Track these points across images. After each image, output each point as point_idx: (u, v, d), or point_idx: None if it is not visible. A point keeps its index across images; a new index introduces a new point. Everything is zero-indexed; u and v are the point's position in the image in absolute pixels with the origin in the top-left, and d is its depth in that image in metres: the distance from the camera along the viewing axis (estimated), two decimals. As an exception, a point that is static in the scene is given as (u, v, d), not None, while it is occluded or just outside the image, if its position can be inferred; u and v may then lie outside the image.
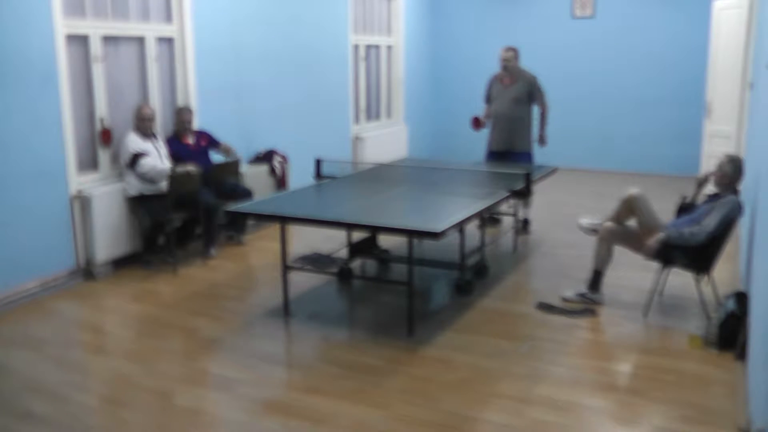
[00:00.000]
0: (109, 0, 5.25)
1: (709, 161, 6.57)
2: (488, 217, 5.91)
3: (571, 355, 3.83)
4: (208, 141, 5.86)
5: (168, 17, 5.80)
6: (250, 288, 5.00)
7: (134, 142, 5.20)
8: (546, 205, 7.08)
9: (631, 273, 4.98)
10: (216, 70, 6.22)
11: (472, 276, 4.95)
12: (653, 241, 4.15)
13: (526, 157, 6.22)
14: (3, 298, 4.53)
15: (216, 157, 5.92)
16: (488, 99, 6.40)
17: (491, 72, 6.50)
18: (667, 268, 4.28)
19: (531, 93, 6.14)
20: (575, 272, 5.04)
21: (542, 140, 6.29)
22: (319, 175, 5.23)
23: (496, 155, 6.28)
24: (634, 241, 4.41)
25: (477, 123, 6.28)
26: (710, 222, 4.04)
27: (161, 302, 4.70)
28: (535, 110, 6.29)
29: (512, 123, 6.15)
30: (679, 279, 4.58)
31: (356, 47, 8.43)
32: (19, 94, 4.59)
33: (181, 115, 5.69)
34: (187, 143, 5.70)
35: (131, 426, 3.17)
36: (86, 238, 5.05)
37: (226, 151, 5.92)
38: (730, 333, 3.78)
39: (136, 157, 5.16)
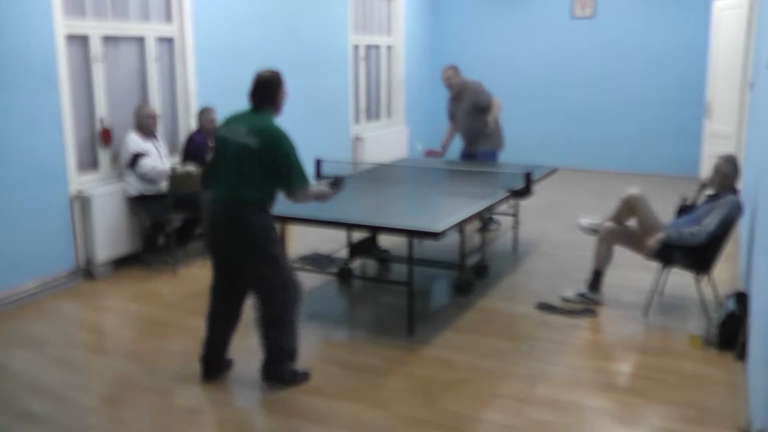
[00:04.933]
0: (109, 0, 5.26)
1: (709, 161, 6.57)
2: (483, 224, 5.93)
3: (571, 355, 3.83)
4: None
5: (168, 17, 5.80)
6: (250, 288, 4.99)
7: (134, 142, 5.19)
8: (546, 205, 7.09)
9: (631, 273, 4.98)
10: (216, 70, 6.22)
11: (472, 276, 4.95)
12: (653, 241, 4.15)
13: (486, 156, 6.33)
14: (3, 298, 4.53)
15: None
16: (451, 117, 6.53)
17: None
18: (667, 268, 4.28)
19: (475, 103, 6.19)
20: (575, 272, 5.04)
21: (483, 137, 6.30)
22: (319, 175, 5.23)
23: (466, 156, 6.44)
24: (634, 241, 4.41)
25: (430, 154, 6.56)
26: (710, 222, 4.04)
27: (161, 302, 4.70)
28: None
29: (470, 134, 6.30)
30: (679, 279, 4.58)
31: (356, 47, 8.43)
32: (19, 94, 4.59)
33: (207, 115, 5.72)
34: (209, 143, 5.73)
35: (131, 426, 3.17)
36: (86, 238, 5.05)
37: None
38: (730, 333, 3.79)
39: (136, 157, 5.15)
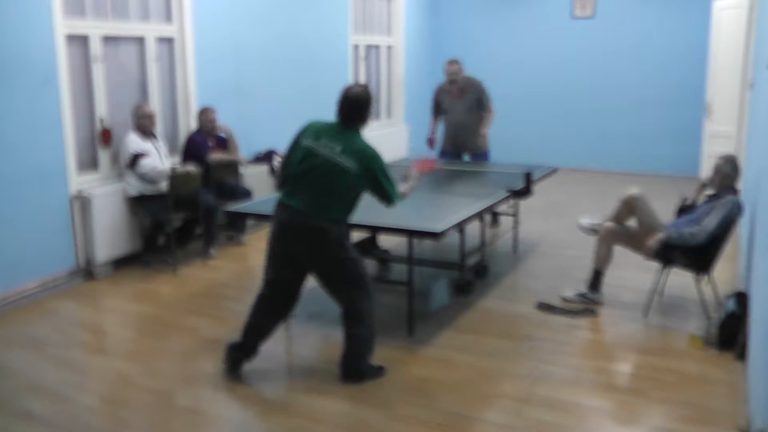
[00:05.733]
0: (109, 0, 5.26)
1: (709, 161, 6.58)
2: (492, 217, 5.98)
3: (571, 355, 3.83)
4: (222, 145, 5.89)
5: (168, 17, 5.80)
6: (250, 288, 4.98)
7: (134, 142, 5.19)
8: (546, 205, 7.09)
9: (631, 273, 4.98)
10: (216, 70, 6.22)
11: (472, 276, 4.95)
12: (653, 241, 4.15)
13: (484, 155, 6.42)
14: (3, 298, 4.53)
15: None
16: (437, 110, 6.53)
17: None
18: (667, 268, 4.28)
19: (479, 99, 6.28)
20: (575, 272, 5.04)
21: (480, 138, 6.32)
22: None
23: (449, 155, 6.46)
24: (634, 241, 4.41)
25: (431, 143, 6.57)
26: (710, 222, 4.04)
27: (161, 302, 4.70)
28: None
29: (466, 129, 6.33)
30: (679, 279, 4.58)
31: (356, 47, 8.43)
32: (19, 94, 4.59)
33: (206, 115, 5.72)
34: (209, 144, 5.73)
35: (131, 426, 3.17)
36: (86, 238, 5.05)
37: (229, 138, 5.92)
38: (730, 333, 3.79)
39: (136, 158, 5.15)
